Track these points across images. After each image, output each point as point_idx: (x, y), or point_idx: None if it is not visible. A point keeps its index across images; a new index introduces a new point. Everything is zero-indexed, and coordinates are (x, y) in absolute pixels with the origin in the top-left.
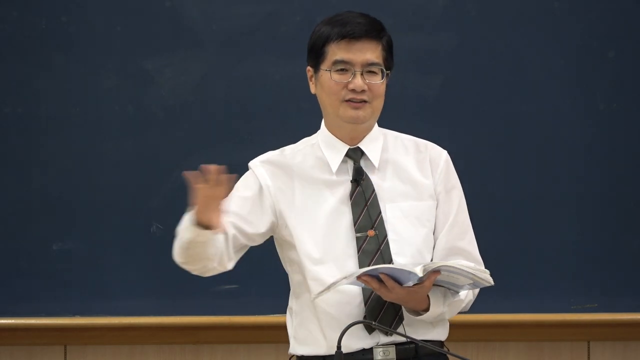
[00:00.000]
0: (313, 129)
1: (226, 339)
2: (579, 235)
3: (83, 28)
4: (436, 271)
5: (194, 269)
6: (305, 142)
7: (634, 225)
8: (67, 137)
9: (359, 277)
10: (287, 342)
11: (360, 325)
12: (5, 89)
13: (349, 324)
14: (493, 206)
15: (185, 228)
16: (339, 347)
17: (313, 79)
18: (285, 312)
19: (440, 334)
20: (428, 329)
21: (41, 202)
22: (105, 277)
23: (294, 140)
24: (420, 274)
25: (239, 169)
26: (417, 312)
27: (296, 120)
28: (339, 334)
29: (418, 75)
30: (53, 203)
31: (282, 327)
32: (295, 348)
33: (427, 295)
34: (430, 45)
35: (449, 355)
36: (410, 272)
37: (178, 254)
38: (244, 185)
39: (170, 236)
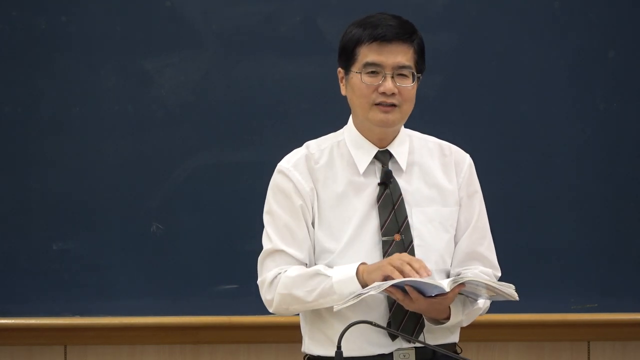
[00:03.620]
0: (313, 129)
1: (226, 339)
2: (579, 235)
3: (83, 28)
4: (461, 284)
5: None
6: (330, 138)
7: (634, 225)
8: (67, 137)
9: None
10: (287, 341)
11: (383, 332)
12: (5, 89)
13: (349, 323)
14: (492, 206)
15: (350, 293)
16: (338, 347)
17: (344, 80)
18: None
19: (453, 337)
20: (444, 333)
21: (41, 202)
22: (105, 277)
23: (294, 140)
24: (448, 290)
25: (239, 168)
26: (437, 321)
27: (296, 120)
28: (360, 339)
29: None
30: (53, 203)
31: (282, 327)
32: (311, 348)
33: (449, 306)
34: (430, 45)
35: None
36: (436, 286)
37: (297, 310)
38: (288, 204)
39: (171, 236)
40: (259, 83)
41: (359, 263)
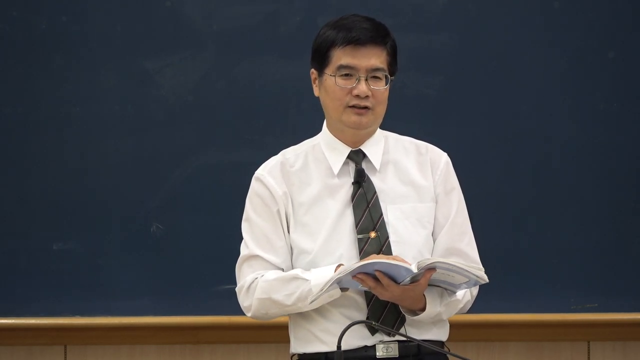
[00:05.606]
0: (313, 129)
1: (226, 339)
2: (579, 235)
3: (83, 28)
4: (431, 269)
5: (275, 318)
6: (306, 143)
7: (634, 226)
8: (67, 137)
9: (354, 276)
10: (287, 341)
11: (364, 325)
12: (5, 89)
13: (349, 323)
14: (493, 206)
15: (329, 296)
16: (338, 346)
17: (317, 81)
18: None
19: (440, 334)
20: (429, 329)
21: (41, 202)
22: (105, 277)
23: (294, 140)
24: (415, 270)
25: (239, 168)
26: (414, 312)
27: (296, 120)
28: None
29: (418, 75)
30: (53, 203)
31: (282, 327)
32: (296, 347)
33: (424, 295)
34: (430, 45)
35: (449, 355)
36: (405, 269)
37: (276, 314)
38: (265, 210)
39: (171, 236)
40: (259, 83)
41: (336, 265)
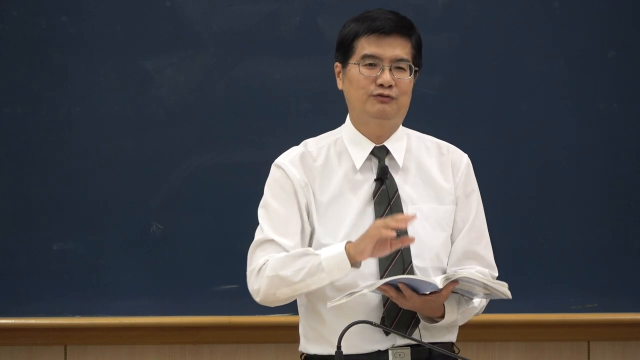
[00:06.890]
0: (313, 129)
1: (226, 339)
2: (579, 235)
3: (83, 28)
4: (454, 281)
5: (284, 303)
6: (328, 136)
7: (634, 225)
8: (67, 137)
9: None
10: (287, 341)
11: (378, 330)
12: (5, 89)
13: (349, 323)
14: (492, 206)
15: (339, 269)
16: (338, 346)
17: (341, 74)
18: (285, 312)
19: (451, 336)
20: (441, 332)
21: (41, 202)
22: (105, 277)
23: (294, 140)
24: (441, 286)
25: (239, 168)
26: (432, 320)
27: (296, 120)
28: (355, 337)
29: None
30: (53, 203)
31: (282, 327)
32: (307, 347)
33: (443, 304)
34: (430, 45)
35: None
36: (429, 283)
37: (285, 294)
38: (284, 197)
39: (170, 236)
40: (259, 83)
41: (345, 242)
